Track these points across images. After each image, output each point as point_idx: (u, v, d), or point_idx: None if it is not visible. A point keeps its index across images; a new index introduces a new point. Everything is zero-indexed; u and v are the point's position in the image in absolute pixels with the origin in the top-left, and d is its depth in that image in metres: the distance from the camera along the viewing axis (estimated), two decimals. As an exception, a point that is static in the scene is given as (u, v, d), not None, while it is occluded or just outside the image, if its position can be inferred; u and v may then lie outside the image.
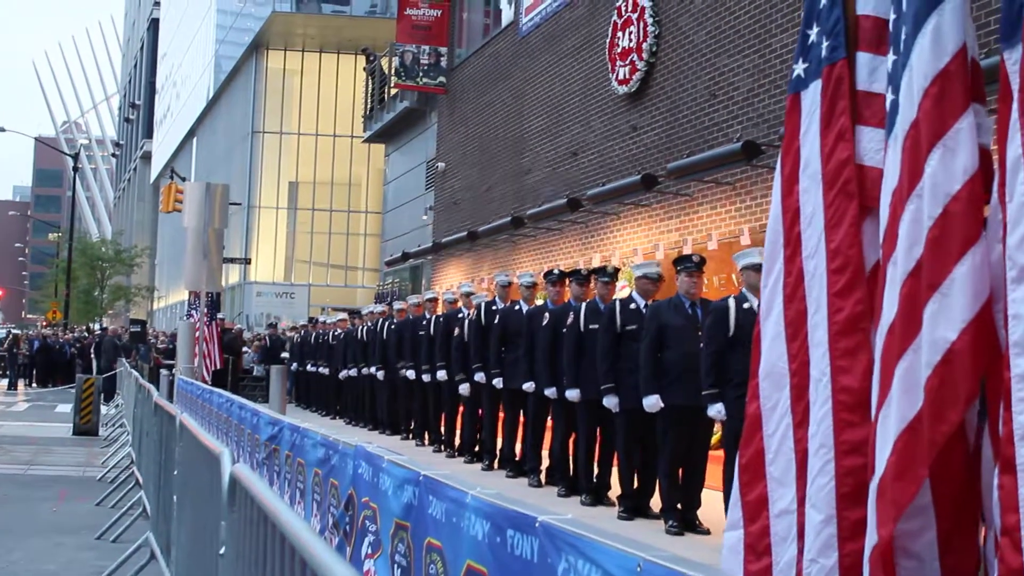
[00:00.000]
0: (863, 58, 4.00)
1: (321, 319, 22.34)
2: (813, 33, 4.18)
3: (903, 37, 3.62)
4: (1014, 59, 3.34)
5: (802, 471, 4.05)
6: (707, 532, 8.61)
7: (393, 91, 26.94)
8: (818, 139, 4.09)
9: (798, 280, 4.14)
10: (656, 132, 14.74)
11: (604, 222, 16.01)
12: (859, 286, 3.91)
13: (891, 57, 3.74)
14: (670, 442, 8.72)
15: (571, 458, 10.56)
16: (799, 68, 4.26)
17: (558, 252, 17.56)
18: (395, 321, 16.09)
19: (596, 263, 15.35)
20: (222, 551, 3.52)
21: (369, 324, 17.35)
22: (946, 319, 3.41)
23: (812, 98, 4.16)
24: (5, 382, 34.09)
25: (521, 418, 11.81)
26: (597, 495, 10.00)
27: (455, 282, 21.19)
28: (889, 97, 3.74)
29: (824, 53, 4.10)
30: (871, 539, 3.59)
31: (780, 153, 4.36)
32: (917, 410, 3.48)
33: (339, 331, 19.54)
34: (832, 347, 3.93)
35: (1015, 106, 3.28)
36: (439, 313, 14.76)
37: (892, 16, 3.74)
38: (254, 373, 25.27)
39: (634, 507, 9.30)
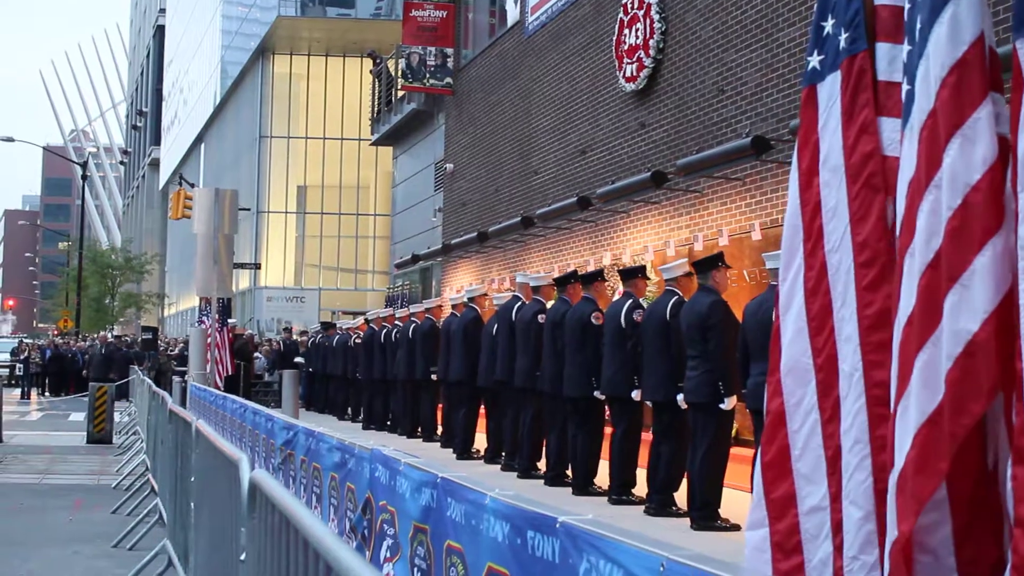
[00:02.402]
0: (882, 48, 3.97)
1: (342, 324, 22.32)
2: (828, 25, 4.15)
3: (919, 26, 3.59)
4: (1027, 48, 3.31)
5: (833, 467, 4.01)
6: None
7: (400, 93, 26.94)
8: (839, 132, 4.05)
9: (821, 274, 4.10)
10: (664, 129, 14.71)
11: (614, 220, 15.99)
12: (889, 280, 3.88)
13: (906, 47, 3.71)
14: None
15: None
16: (814, 60, 4.22)
17: (568, 251, 17.53)
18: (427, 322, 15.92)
19: (607, 261, 15.33)
20: (243, 557, 3.51)
21: (396, 326, 17.18)
22: (968, 310, 3.38)
23: (830, 90, 4.12)
24: (18, 391, 34.18)
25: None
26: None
27: (465, 283, 21.18)
28: (904, 87, 3.71)
29: (843, 45, 4.06)
30: (891, 534, 3.56)
31: (796, 146, 4.32)
32: (937, 403, 3.45)
33: (358, 334, 19.55)
34: (864, 341, 3.89)
35: None
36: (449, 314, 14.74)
37: (907, 5, 3.72)
38: (265, 378, 25.30)
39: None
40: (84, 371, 31.42)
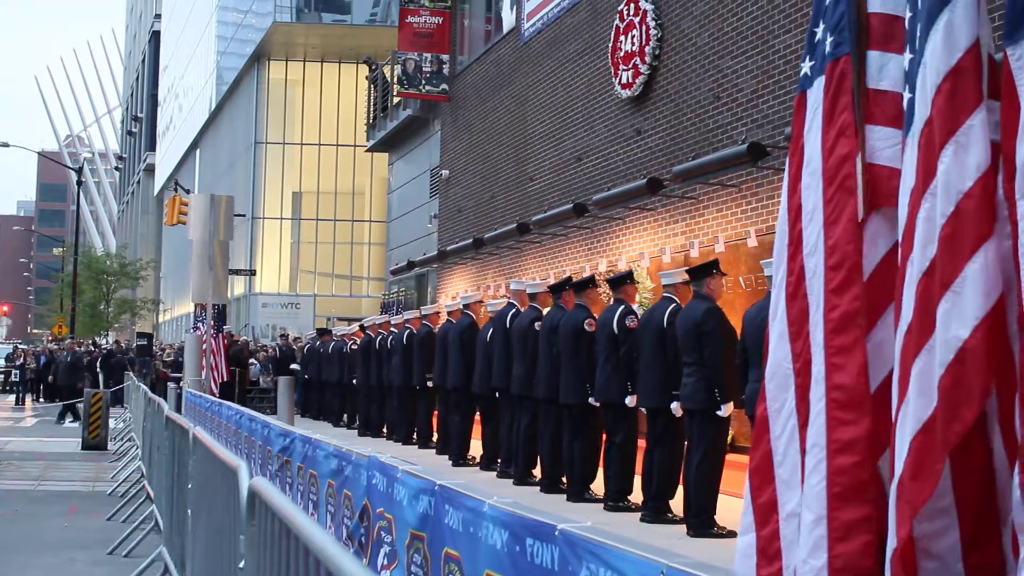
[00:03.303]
0: (872, 56, 3.99)
1: (337, 331, 22.32)
2: (819, 31, 4.18)
3: (918, 34, 3.61)
4: (1018, 55, 3.33)
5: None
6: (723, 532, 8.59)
7: (396, 99, 26.95)
8: (820, 135, 4.08)
9: (799, 278, 4.13)
10: (660, 135, 14.73)
11: (610, 227, 16.00)
12: (855, 283, 3.89)
13: (908, 55, 3.73)
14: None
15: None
16: (806, 66, 4.25)
17: (564, 258, 17.54)
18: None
19: (603, 268, 15.34)
20: (241, 565, 3.51)
21: (392, 332, 17.11)
22: (959, 317, 3.40)
23: (816, 95, 4.15)
24: (12, 398, 34.11)
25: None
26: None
27: (461, 290, 21.19)
28: (906, 96, 3.73)
29: (828, 49, 4.09)
30: (891, 542, 3.57)
31: (788, 152, 4.36)
32: (932, 410, 3.46)
33: (354, 341, 19.55)
34: (827, 345, 3.91)
35: None
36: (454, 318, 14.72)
37: (908, 14, 3.74)
38: (260, 384, 25.30)
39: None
40: (51, 377, 31.28)
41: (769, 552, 4.19)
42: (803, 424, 4.07)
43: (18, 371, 34.91)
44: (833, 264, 3.93)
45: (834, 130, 4.01)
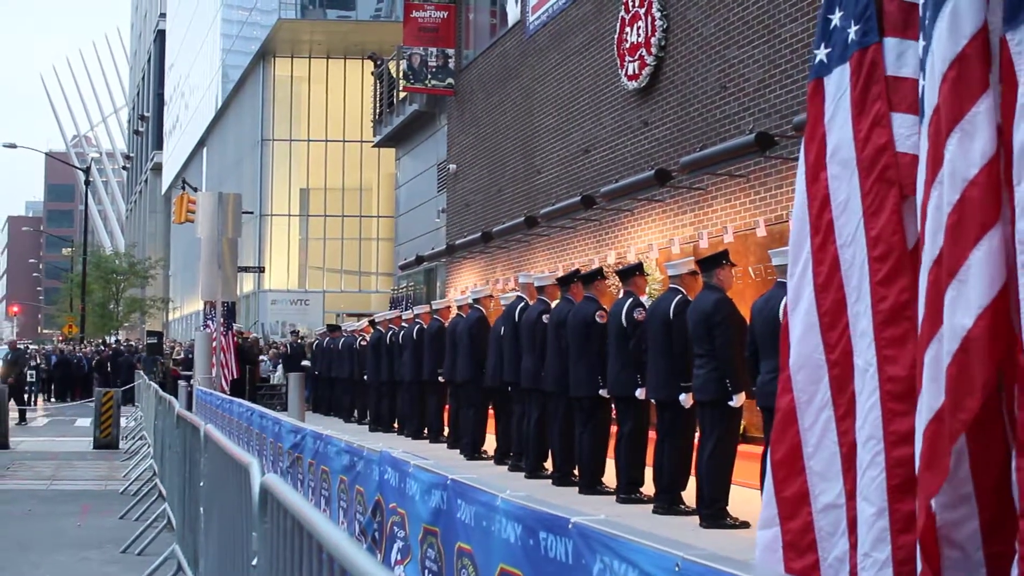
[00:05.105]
0: (890, 43, 3.96)
1: (347, 327, 22.31)
2: (836, 18, 4.13)
3: (927, 22, 3.59)
4: (1018, 40, 3.30)
5: (848, 464, 3.98)
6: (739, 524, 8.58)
7: (402, 95, 26.95)
8: (849, 125, 4.03)
9: (833, 269, 4.08)
10: (667, 127, 14.69)
11: (618, 219, 15.97)
12: (904, 274, 3.86)
13: (921, 43, 3.71)
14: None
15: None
16: (821, 53, 4.20)
17: (572, 251, 17.53)
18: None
19: (612, 260, 15.31)
20: (254, 562, 3.50)
21: (403, 327, 17.09)
22: (964, 306, 3.38)
23: (838, 83, 4.10)
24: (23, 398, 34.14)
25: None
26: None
27: (469, 284, 21.17)
28: (921, 83, 3.71)
29: (853, 37, 4.04)
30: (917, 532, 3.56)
31: (803, 140, 4.30)
32: (942, 400, 3.44)
33: (363, 336, 19.55)
34: (877, 336, 3.87)
35: (1023, 89, 3.25)
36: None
37: (920, 1, 3.71)
38: (271, 381, 25.33)
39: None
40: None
41: (800, 545, 4.14)
42: (840, 416, 4.02)
43: (32, 371, 34.93)
44: (878, 255, 3.89)
45: (867, 119, 3.96)
